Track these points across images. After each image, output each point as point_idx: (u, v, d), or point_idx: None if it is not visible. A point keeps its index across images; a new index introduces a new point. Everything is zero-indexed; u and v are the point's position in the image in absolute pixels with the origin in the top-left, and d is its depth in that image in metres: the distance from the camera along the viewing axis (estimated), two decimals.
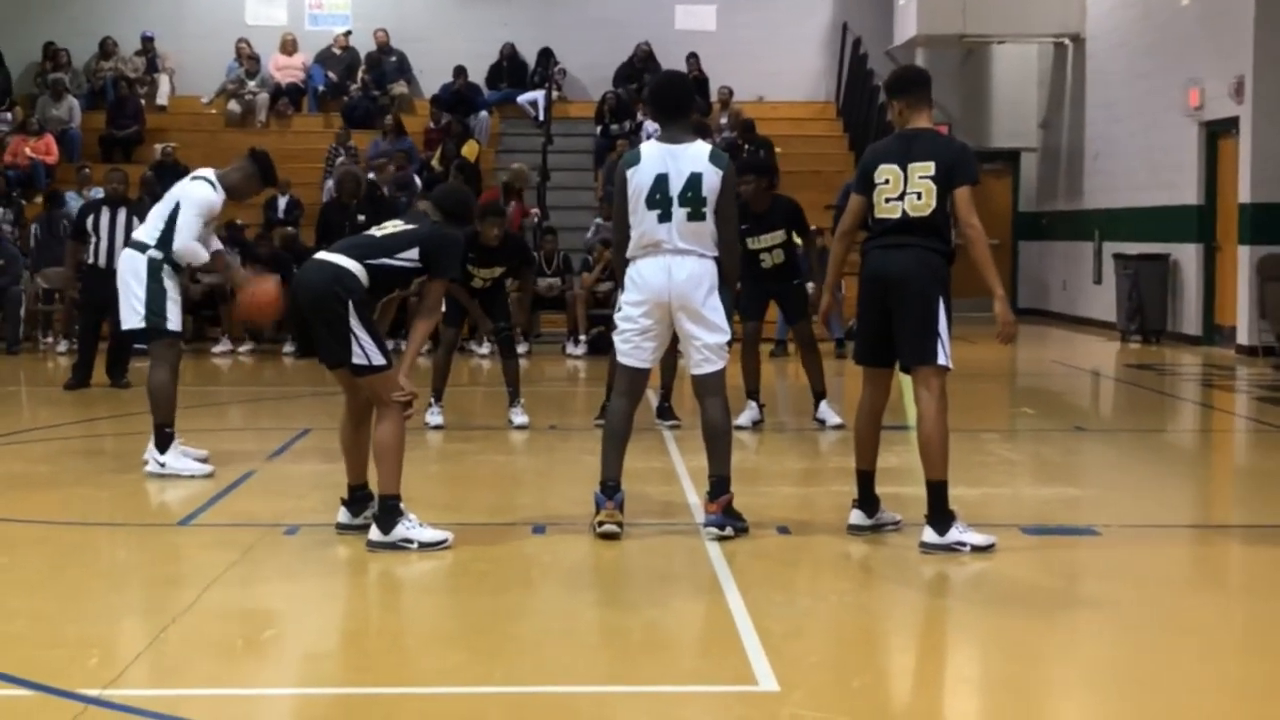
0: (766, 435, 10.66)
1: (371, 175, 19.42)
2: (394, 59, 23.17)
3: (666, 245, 7.08)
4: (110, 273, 13.11)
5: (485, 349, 16.37)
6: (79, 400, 12.72)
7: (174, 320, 8.90)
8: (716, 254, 7.14)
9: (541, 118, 22.35)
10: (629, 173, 7.16)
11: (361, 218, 16.79)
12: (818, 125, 23.52)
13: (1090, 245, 21.20)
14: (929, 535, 6.87)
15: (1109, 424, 12.63)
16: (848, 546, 7.11)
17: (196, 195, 8.87)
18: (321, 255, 7.08)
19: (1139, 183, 19.64)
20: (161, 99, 23.01)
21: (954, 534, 6.85)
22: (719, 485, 7.18)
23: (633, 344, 7.24)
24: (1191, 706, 4.92)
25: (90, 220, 13.28)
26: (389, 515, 6.91)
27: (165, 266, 8.86)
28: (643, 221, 7.11)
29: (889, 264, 6.95)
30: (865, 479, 7.26)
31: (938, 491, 6.87)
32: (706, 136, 7.81)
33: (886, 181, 6.99)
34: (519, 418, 10.92)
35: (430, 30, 23.55)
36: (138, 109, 21.84)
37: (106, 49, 23.04)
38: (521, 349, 16.50)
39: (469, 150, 20.43)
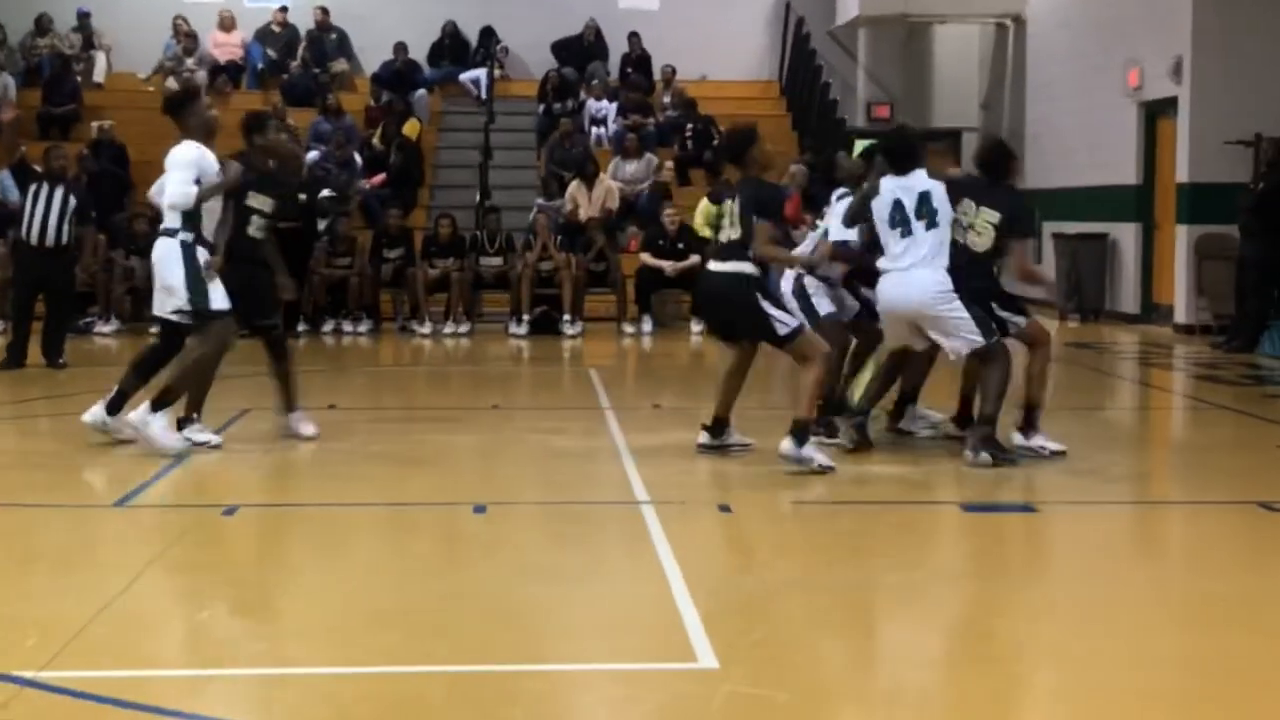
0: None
1: (313, 154, 19.28)
2: (334, 36, 22.97)
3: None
4: (44, 250, 13.01)
5: (426, 329, 16.29)
6: (14, 381, 12.56)
7: (218, 299, 8.80)
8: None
9: (484, 96, 22.25)
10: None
11: (302, 197, 16.68)
12: (761, 105, 23.50)
13: None
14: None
15: (1048, 402, 12.68)
16: (789, 525, 7.13)
17: (178, 156, 8.81)
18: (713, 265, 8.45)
19: (1078, 163, 19.75)
20: (98, 76, 22.71)
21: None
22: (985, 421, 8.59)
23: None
24: (1130, 681, 4.95)
25: (29, 196, 13.11)
26: (802, 434, 8.05)
27: (197, 248, 8.79)
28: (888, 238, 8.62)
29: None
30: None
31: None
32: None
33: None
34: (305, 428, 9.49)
35: (371, 7, 23.34)
36: (74, 87, 21.54)
37: (42, 26, 22.69)
38: (464, 328, 16.46)
39: (410, 129, 20.33)
